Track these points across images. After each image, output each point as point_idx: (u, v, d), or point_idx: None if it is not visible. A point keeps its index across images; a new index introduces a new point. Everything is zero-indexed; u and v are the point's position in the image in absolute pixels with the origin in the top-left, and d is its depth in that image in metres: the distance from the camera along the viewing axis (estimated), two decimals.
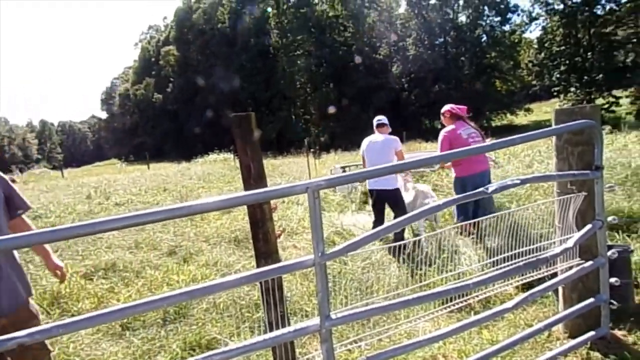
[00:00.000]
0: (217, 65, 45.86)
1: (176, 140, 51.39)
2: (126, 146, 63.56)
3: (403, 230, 4.74)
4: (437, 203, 1.96)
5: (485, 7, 41.61)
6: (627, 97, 27.46)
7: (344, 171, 10.04)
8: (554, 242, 2.48)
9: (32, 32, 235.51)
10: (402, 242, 2.81)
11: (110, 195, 11.10)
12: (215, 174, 17.10)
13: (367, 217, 5.80)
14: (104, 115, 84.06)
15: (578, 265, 2.22)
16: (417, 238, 2.94)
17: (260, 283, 2.01)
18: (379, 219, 4.87)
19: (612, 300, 2.15)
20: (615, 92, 28.25)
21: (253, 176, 2.20)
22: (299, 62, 43.99)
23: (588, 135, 2.16)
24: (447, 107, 4.91)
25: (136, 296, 3.46)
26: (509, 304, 1.98)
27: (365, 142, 5.02)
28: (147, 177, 18.41)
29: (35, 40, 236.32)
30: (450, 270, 3.29)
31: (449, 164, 4.98)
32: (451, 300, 2.25)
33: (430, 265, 3.35)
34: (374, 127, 5.09)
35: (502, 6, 41.07)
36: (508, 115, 42.35)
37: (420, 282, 3.38)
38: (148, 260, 4.48)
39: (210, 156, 29.17)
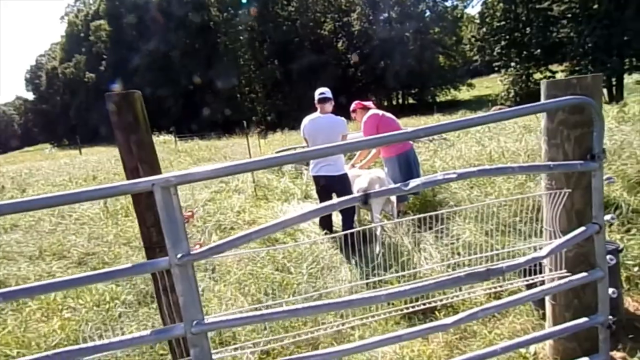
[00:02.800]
0: (153, 42, 43.09)
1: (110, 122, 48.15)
2: (58, 129, 59.06)
3: (352, 219, 4.26)
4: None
5: None
6: (562, 71, 28.57)
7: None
8: (533, 247, 2.07)
9: None
10: (352, 231, 2.28)
11: (26, 188, 9.86)
12: None
13: (315, 207, 5.27)
14: (30, 96, 77.31)
15: (563, 277, 1.79)
16: (370, 226, 2.44)
17: (154, 280, 1.74)
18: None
19: (611, 320, 1.74)
20: (552, 67, 29.33)
21: None
22: (241, 38, 42.23)
23: (589, 115, 1.69)
24: (355, 103, 5.01)
25: (18, 331, 2.73)
26: (448, 320, 1.52)
27: (306, 121, 4.28)
28: (77, 164, 16.96)
29: None
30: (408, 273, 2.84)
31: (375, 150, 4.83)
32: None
33: (384, 269, 2.89)
34: (316, 102, 4.28)
35: None
36: (452, 90, 43.29)
37: (373, 286, 2.92)
38: (50, 274, 3.71)
39: None
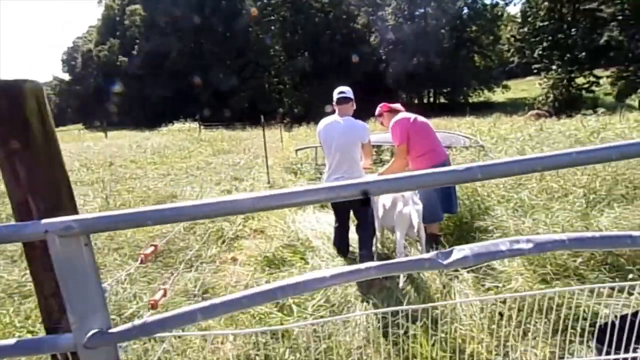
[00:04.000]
0: (186, 28, 43.11)
1: (142, 106, 48.67)
2: (91, 111, 60.08)
3: (370, 241, 3.61)
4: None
5: None
6: (608, 77, 26.88)
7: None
8: None
9: None
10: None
11: None
12: (173, 147, 15.65)
13: (333, 218, 4.64)
14: (66, 77, 78.93)
15: None
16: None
17: None
18: (341, 226, 3.72)
19: None
20: (596, 72, 27.61)
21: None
22: (272, 28, 41.73)
23: None
24: (382, 105, 4.28)
25: None
26: None
27: (321, 125, 3.62)
28: (99, 148, 16.81)
29: None
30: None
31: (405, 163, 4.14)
32: None
33: (413, 321, 2.25)
34: (334, 103, 3.62)
35: None
36: (485, 91, 41.72)
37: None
38: None
39: (175, 125, 27.63)
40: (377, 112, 4.30)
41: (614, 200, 3.69)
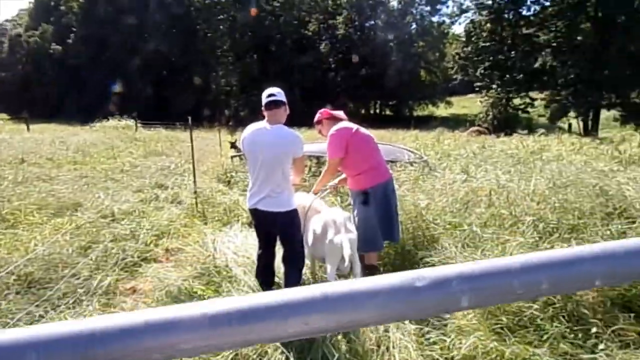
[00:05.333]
0: (128, 20, 40.81)
1: (76, 99, 45.35)
2: (17, 100, 55.29)
3: (298, 274, 3.05)
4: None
5: None
6: (542, 99, 28.33)
7: (240, 159, 8.22)
8: None
9: None
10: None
11: None
12: (101, 146, 14.37)
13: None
14: None
15: None
16: None
17: None
18: (265, 252, 3.14)
19: None
20: (532, 94, 29.07)
21: None
22: (221, 27, 40.49)
23: None
24: (322, 110, 3.78)
25: None
26: None
27: (246, 131, 3.03)
28: (16, 142, 15.15)
29: None
30: None
31: (342, 177, 3.75)
32: None
33: None
34: (263, 107, 3.01)
35: None
36: (429, 106, 42.92)
37: None
38: None
39: (110, 122, 25.86)
40: (315, 119, 3.77)
41: (564, 230, 3.41)
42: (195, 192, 5.59)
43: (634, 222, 3.53)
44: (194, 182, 5.72)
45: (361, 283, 0.66)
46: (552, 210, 3.59)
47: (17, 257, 3.19)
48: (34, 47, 50.94)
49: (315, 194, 3.64)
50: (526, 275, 0.71)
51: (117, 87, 39.86)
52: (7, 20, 69.08)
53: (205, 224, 4.74)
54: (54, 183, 6.92)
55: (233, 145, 9.73)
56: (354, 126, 3.56)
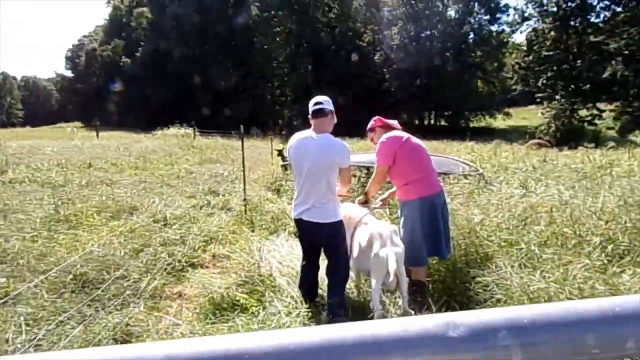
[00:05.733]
0: (190, 32, 42.92)
1: (141, 109, 48.22)
2: (91, 110, 59.65)
3: (342, 287, 2.97)
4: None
5: (476, 4, 40.28)
6: (611, 111, 26.49)
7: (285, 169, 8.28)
8: None
9: None
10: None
11: (7, 169, 8.94)
12: (161, 152, 15.07)
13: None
14: (69, 74, 78.69)
15: None
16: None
17: None
18: (308, 265, 3.09)
19: None
20: (599, 105, 27.24)
21: None
22: (278, 39, 41.53)
23: None
24: (376, 118, 3.71)
25: None
26: None
27: (292, 140, 3.00)
28: (86, 147, 16.24)
29: None
30: None
31: (393, 190, 3.63)
32: None
33: None
34: (309, 116, 3.01)
35: (492, 5, 39.85)
36: (487, 117, 41.45)
37: None
38: None
39: (171, 130, 27.11)
40: (368, 126, 3.72)
41: (637, 253, 3.08)
42: (244, 200, 5.67)
43: None
44: (244, 189, 5.81)
45: (387, 326, 0.55)
46: (624, 230, 3.27)
47: (75, 257, 3.35)
48: (106, 61, 54.74)
49: (365, 202, 3.57)
50: (606, 327, 0.52)
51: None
52: (84, 36, 74.87)
53: (253, 231, 4.78)
54: (115, 187, 7.31)
55: (280, 154, 9.85)
56: (405, 135, 3.46)
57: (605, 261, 2.88)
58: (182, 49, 43.61)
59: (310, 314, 2.83)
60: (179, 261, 3.64)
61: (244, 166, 5.91)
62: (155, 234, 4.16)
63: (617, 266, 2.90)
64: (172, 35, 44.52)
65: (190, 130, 25.94)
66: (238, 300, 2.95)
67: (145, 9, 50.98)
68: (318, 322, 2.78)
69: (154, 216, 4.82)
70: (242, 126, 6.18)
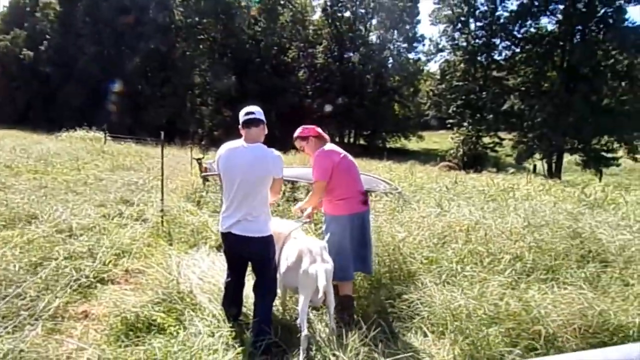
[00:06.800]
0: (105, 33, 40.27)
1: (45, 108, 43.90)
2: None
3: (269, 305, 2.86)
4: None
5: (395, 32, 42.78)
6: (510, 139, 29.49)
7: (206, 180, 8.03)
8: None
9: None
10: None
11: None
12: (66, 155, 13.78)
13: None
14: None
15: None
16: None
17: None
18: (233, 282, 2.93)
19: None
20: (501, 134, 30.24)
21: None
22: (201, 46, 40.50)
23: None
24: (310, 127, 3.59)
25: None
26: None
27: (222, 149, 2.86)
28: None
29: None
30: None
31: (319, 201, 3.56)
32: None
33: None
34: (240, 126, 2.87)
35: (410, 34, 42.61)
36: (402, 139, 43.80)
37: None
38: None
39: (78, 132, 25.04)
40: (299, 133, 3.56)
41: (540, 271, 3.37)
42: (162, 210, 5.32)
43: (606, 266, 3.54)
44: (162, 199, 5.46)
45: None
46: (529, 249, 3.57)
47: None
48: (3, 52, 49.34)
49: (309, 217, 3.54)
50: None
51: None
52: None
53: (171, 244, 4.47)
54: (9, 192, 6.50)
55: (199, 163, 9.49)
56: (342, 151, 3.48)
57: (516, 278, 3.11)
58: (96, 48, 40.71)
59: (234, 333, 2.69)
60: (87, 276, 3.27)
61: (162, 174, 5.55)
62: (58, 246, 3.71)
63: (524, 282, 3.15)
64: (84, 31, 41.44)
65: (100, 134, 24.15)
66: (154, 320, 2.71)
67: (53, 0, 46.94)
68: (242, 343, 2.64)
69: (57, 226, 4.31)
70: (162, 132, 5.84)
